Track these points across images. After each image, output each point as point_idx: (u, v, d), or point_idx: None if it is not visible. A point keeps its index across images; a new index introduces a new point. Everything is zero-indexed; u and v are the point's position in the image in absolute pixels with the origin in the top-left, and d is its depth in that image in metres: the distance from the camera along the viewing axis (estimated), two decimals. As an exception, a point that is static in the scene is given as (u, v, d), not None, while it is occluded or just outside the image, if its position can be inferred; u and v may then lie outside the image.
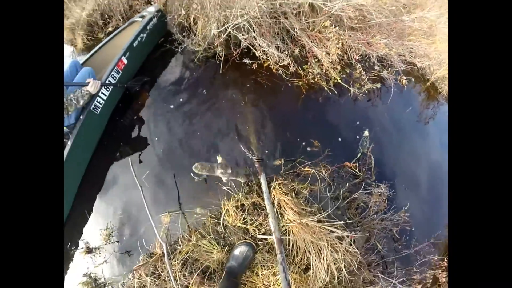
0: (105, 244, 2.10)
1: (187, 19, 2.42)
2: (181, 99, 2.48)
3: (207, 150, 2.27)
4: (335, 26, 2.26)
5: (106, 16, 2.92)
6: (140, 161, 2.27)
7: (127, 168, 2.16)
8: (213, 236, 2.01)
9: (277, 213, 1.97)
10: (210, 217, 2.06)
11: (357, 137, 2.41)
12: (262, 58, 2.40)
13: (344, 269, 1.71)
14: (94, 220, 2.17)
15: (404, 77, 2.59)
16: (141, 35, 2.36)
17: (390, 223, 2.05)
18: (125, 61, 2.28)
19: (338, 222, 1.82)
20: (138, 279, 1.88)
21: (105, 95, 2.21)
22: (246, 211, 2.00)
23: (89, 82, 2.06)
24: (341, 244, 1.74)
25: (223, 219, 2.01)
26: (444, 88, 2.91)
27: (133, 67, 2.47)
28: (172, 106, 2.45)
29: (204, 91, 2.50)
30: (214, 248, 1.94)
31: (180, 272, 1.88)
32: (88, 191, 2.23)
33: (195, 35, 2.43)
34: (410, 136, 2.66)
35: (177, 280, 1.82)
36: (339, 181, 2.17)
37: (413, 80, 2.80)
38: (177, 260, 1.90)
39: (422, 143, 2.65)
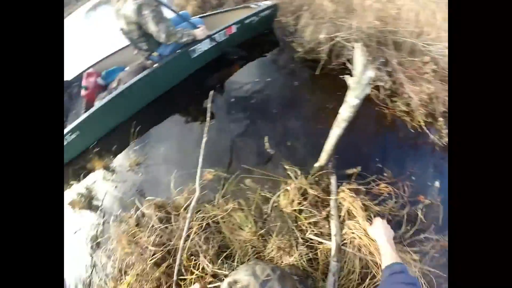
0: (128, 170, 1.80)
1: (297, 21, 2.64)
2: (268, 79, 2.46)
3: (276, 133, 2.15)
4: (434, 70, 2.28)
5: (221, -2, 3.18)
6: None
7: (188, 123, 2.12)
8: (253, 213, 1.61)
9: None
10: (260, 194, 1.70)
11: (429, 183, 2.10)
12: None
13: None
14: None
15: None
16: (253, 17, 2.57)
17: None
18: (234, 30, 2.45)
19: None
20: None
21: (206, 47, 2.32)
22: (306, 199, 1.62)
23: (199, 27, 2.22)
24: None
25: (277, 198, 1.64)
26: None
27: (237, 39, 2.61)
28: (250, 85, 2.43)
29: (296, 83, 2.46)
30: (247, 226, 1.52)
31: (196, 233, 1.46)
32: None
33: (301, 36, 2.58)
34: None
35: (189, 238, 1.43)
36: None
37: None
38: (197, 218, 1.52)
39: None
